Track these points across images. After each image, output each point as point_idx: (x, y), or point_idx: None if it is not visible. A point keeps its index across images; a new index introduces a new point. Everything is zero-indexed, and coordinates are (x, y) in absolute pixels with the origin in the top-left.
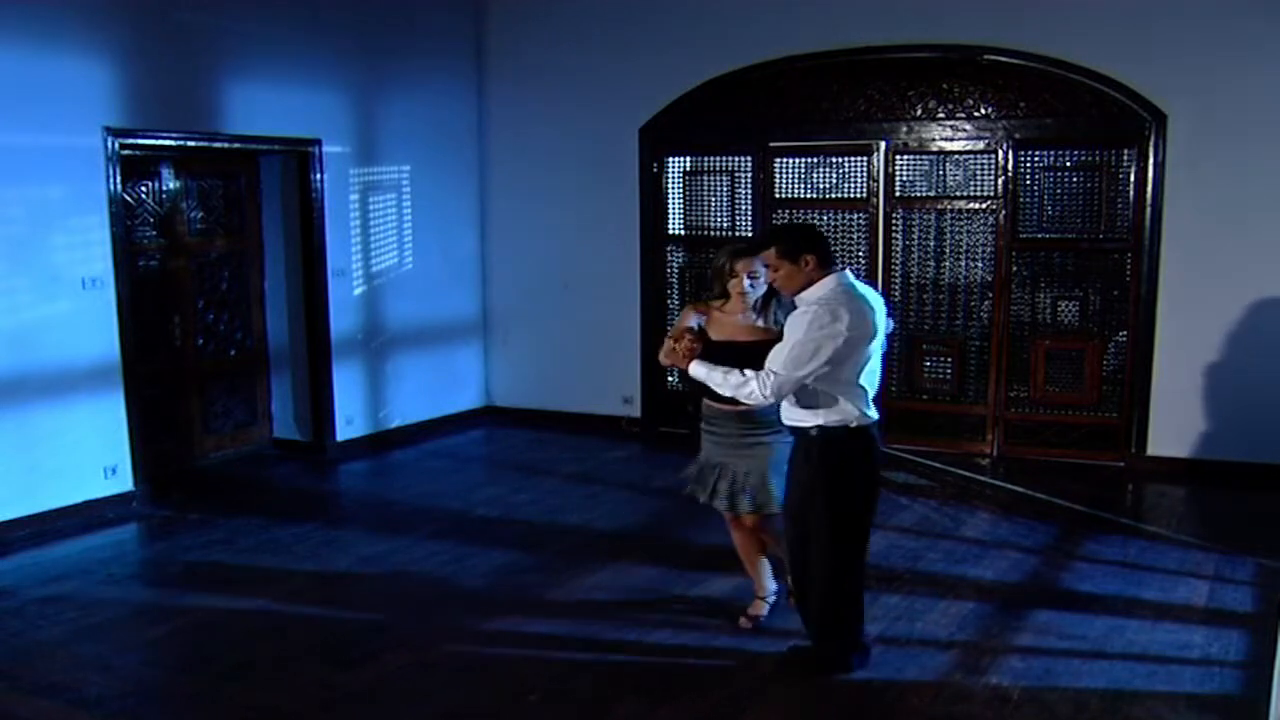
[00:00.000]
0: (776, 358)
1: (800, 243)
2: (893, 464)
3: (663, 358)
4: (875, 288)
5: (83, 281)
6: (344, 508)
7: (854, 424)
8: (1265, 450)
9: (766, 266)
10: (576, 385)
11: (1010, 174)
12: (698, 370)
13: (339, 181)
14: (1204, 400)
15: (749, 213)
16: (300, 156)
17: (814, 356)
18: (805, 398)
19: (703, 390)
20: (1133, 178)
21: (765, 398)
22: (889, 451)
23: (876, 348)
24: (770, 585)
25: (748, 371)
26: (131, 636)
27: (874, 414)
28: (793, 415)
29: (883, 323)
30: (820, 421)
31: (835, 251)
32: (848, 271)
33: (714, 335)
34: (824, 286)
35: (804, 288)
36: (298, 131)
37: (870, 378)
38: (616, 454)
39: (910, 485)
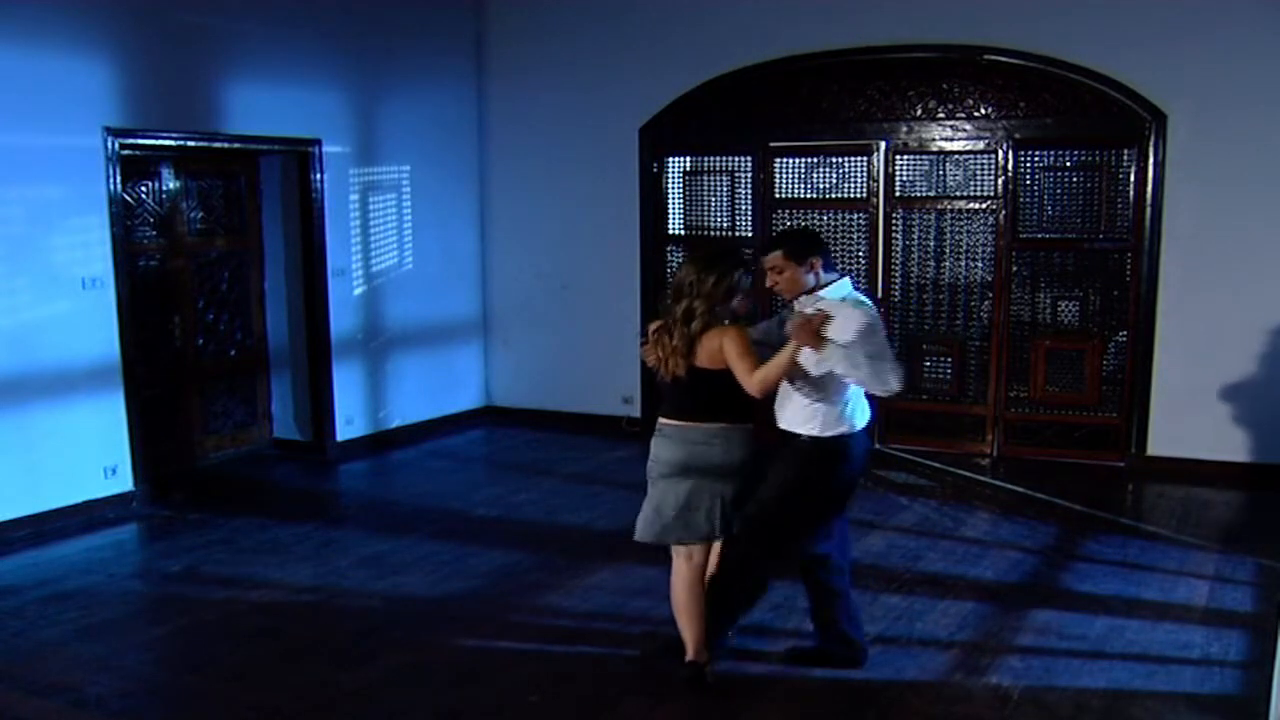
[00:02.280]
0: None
1: (808, 246)
2: (893, 464)
3: (801, 336)
4: (876, 288)
5: (83, 281)
6: (344, 508)
7: (848, 431)
8: (1265, 450)
9: (771, 269)
10: (576, 385)
11: (1010, 174)
12: (850, 338)
13: (339, 181)
14: (1204, 400)
15: (749, 213)
16: (300, 156)
17: (884, 344)
18: (805, 406)
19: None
20: (1133, 178)
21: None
22: (889, 451)
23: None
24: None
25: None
26: (131, 636)
27: (863, 421)
28: (789, 421)
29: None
30: (817, 430)
31: (835, 252)
32: (848, 279)
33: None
34: (843, 288)
35: (806, 291)
36: (298, 131)
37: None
38: (616, 454)
39: (910, 485)
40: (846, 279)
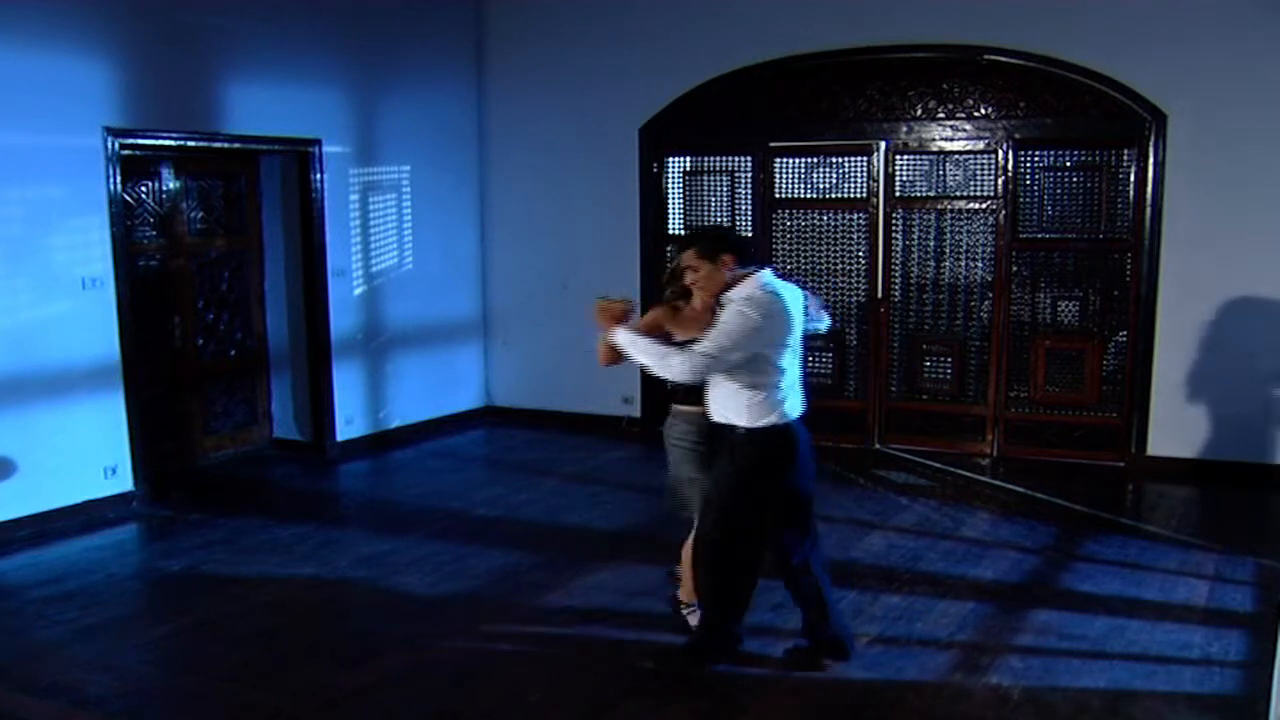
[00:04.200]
0: (703, 341)
1: (719, 243)
2: (893, 464)
3: (595, 316)
4: (876, 288)
5: (83, 281)
6: (344, 508)
7: (779, 423)
8: (1265, 450)
9: (688, 269)
10: (576, 385)
11: (1010, 174)
12: (621, 337)
13: (339, 181)
14: (1204, 400)
15: (749, 213)
16: (300, 156)
17: (737, 347)
18: (731, 396)
19: (679, 396)
20: (1133, 178)
21: (684, 375)
22: (889, 451)
23: (796, 346)
24: None
25: (673, 349)
26: (131, 636)
27: (796, 412)
28: (720, 413)
29: (799, 323)
30: (745, 421)
31: (835, 252)
32: (768, 270)
33: (680, 335)
34: (747, 285)
35: (725, 288)
36: (298, 131)
37: (791, 376)
38: (616, 454)
39: (910, 485)
40: (763, 271)
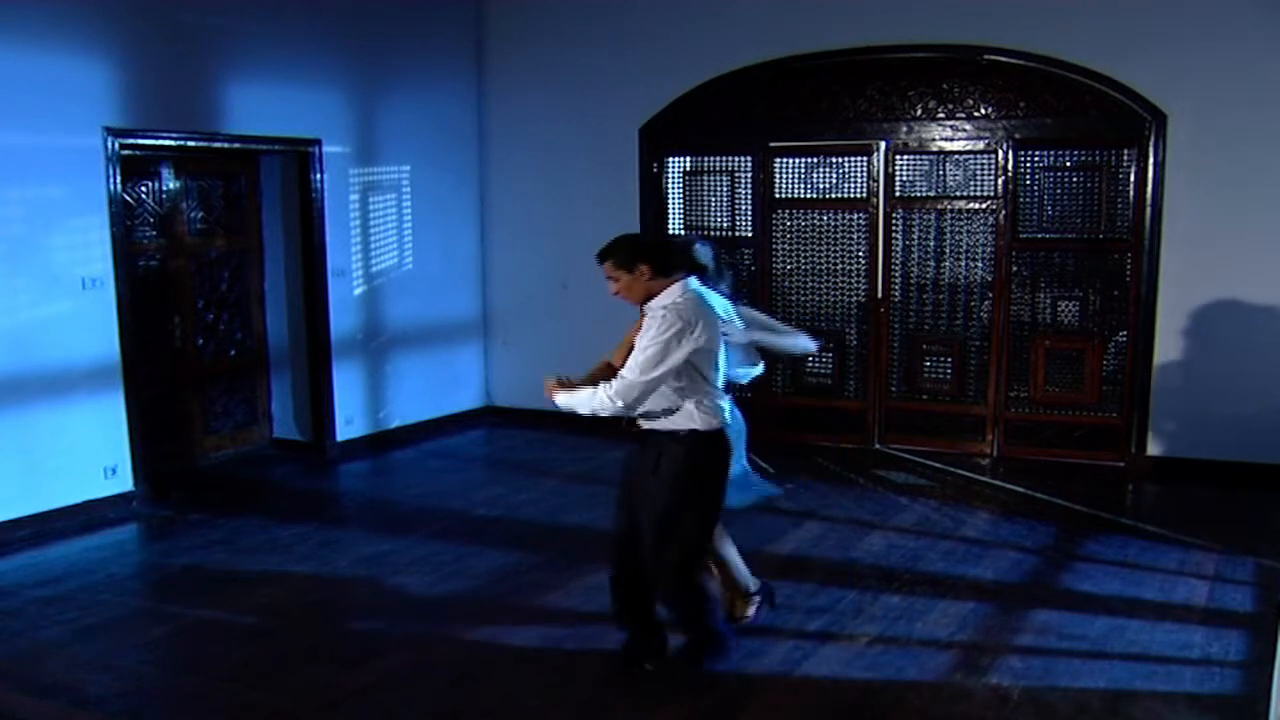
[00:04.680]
0: (627, 364)
1: (635, 253)
2: (893, 464)
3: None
4: (876, 288)
5: (83, 281)
6: (344, 508)
7: (720, 427)
8: (1265, 450)
9: (609, 279)
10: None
11: (1010, 174)
12: (561, 399)
13: (339, 181)
14: (1204, 400)
15: (749, 213)
16: (300, 156)
17: (662, 361)
18: (671, 403)
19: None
20: (1133, 178)
21: (614, 403)
22: (889, 451)
23: (723, 352)
24: (753, 583)
25: (600, 385)
26: (131, 636)
27: (729, 418)
28: (659, 421)
29: (717, 329)
30: (688, 425)
31: (835, 251)
32: (693, 278)
33: None
34: (669, 294)
35: (648, 297)
36: (298, 131)
37: (719, 384)
38: (616, 454)
39: (910, 485)
40: (689, 279)
